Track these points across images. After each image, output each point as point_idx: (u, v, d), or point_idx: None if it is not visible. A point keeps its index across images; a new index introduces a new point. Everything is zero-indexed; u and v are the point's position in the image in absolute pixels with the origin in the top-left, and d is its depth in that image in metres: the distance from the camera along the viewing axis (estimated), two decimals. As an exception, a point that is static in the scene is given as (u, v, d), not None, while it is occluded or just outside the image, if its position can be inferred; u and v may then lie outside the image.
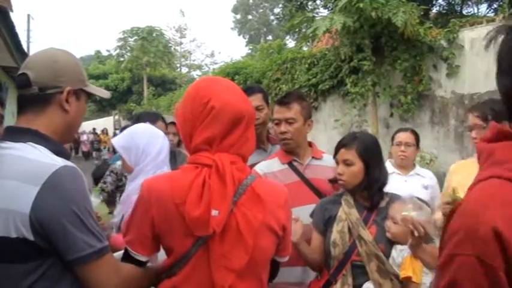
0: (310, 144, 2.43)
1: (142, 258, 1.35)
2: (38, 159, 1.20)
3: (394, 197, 2.02)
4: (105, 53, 32.34)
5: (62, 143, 1.35)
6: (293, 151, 2.34)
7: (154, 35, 25.35)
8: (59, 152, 1.27)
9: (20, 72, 1.31)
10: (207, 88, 1.35)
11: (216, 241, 1.25)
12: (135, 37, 25.29)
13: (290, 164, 2.32)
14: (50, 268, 1.20)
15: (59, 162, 1.21)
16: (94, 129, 22.47)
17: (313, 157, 2.37)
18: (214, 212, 1.21)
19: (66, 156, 1.28)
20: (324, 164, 2.35)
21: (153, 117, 2.92)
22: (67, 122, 1.34)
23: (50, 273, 1.20)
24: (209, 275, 1.26)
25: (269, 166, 2.32)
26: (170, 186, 1.29)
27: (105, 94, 1.53)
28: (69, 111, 1.33)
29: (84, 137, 21.63)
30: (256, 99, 2.57)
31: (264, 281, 1.39)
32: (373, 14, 6.98)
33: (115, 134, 14.69)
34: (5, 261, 1.18)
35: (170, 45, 28.78)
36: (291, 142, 2.30)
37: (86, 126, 21.55)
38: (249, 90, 2.60)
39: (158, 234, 1.32)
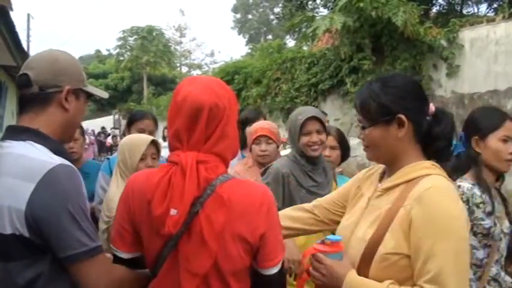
0: None
1: (122, 255, 1.30)
2: (36, 157, 1.22)
3: None
4: (105, 52, 32.36)
5: (62, 142, 1.38)
6: None
7: (154, 34, 25.39)
8: (58, 151, 1.28)
9: (20, 72, 1.33)
10: (180, 86, 1.32)
11: (184, 242, 1.20)
12: (135, 36, 25.37)
13: None
14: (46, 266, 1.20)
15: (56, 160, 1.23)
16: (103, 127, 22.13)
17: None
18: (172, 211, 1.17)
19: (66, 156, 1.29)
20: None
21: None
22: (67, 121, 1.36)
23: (47, 271, 1.20)
24: (179, 278, 1.21)
25: None
26: (146, 182, 1.26)
27: (104, 94, 1.56)
28: (69, 110, 1.35)
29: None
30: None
31: None
32: (373, 13, 6.99)
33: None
34: (0, 259, 1.19)
35: (170, 44, 28.82)
36: None
37: (85, 125, 21.20)
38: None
39: (136, 230, 1.28)
